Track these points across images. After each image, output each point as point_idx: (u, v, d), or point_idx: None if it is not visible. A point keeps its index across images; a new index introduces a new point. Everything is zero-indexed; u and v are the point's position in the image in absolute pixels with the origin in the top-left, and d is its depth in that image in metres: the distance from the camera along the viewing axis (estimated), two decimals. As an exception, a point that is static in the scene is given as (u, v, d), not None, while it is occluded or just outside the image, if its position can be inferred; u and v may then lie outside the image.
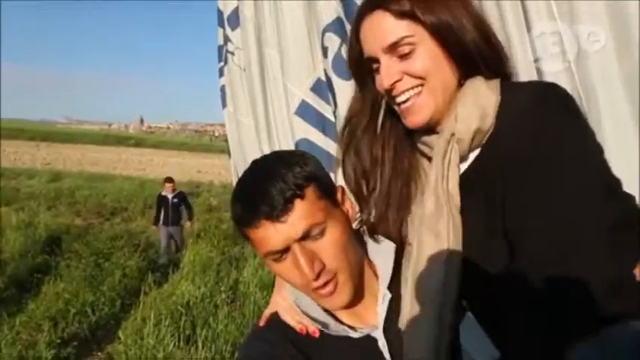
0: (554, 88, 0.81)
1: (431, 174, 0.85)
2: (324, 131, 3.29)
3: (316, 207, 0.80)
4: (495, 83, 0.84)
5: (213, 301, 5.05)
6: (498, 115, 0.81)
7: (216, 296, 5.19)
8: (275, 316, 0.92)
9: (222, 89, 3.83)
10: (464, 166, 0.86)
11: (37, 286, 5.52)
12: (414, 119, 0.85)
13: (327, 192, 0.83)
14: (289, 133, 3.67)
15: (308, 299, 0.88)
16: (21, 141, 29.39)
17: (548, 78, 3.73)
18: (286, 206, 0.78)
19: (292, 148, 3.77)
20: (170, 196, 7.64)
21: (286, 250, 0.80)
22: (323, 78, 3.24)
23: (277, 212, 0.77)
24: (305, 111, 3.25)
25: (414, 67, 0.83)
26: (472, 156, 0.85)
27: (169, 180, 7.84)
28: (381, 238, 0.95)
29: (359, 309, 0.90)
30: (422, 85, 0.84)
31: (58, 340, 4.18)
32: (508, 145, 0.78)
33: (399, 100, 0.85)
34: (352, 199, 0.95)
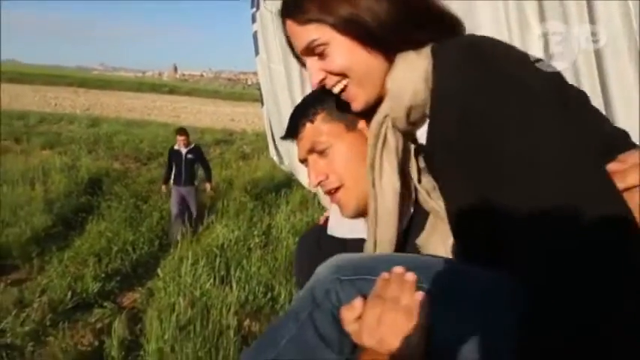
0: (473, 45, 0.76)
1: (368, 159, 0.89)
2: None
3: (322, 129, 1.01)
4: (426, 50, 0.80)
5: (247, 245, 5.27)
6: (433, 79, 0.78)
7: (250, 240, 5.40)
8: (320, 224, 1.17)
9: (255, 36, 3.83)
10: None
11: (81, 224, 5.87)
12: (353, 107, 0.89)
13: (340, 117, 1.01)
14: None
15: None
16: (61, 87, 30.08)
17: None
18: (300, 128, 1.04)
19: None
20: (184, 151, 6.24)
21: (305, 160, 1.05)
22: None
23: (296, 132, 1.05)
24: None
25: (332, 65, 0.84)
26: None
27: (182, 132, 6.44)
28: None
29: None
30: (346, 77, 0.85)
31: (103, 275, 4.49)
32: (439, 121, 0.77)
33: (335, 91, 0.88)
34: None
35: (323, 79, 0.87)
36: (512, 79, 0.71)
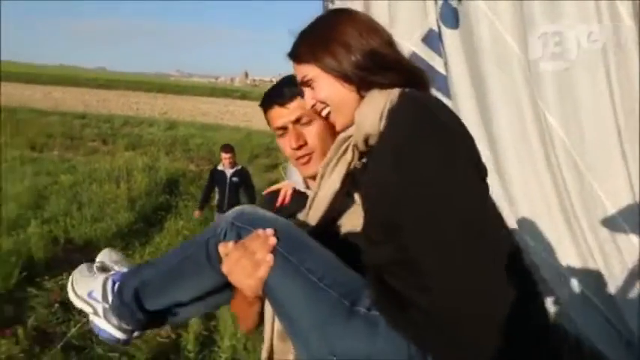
0: (403, 104, 0.96)
1: (325, 158, 1.12)
2: (435, 86, 3.22)
3: (306, 103, 1.17)
4: (387, 92, 1.01)
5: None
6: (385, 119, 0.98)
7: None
8: (272, 191, 1.45)
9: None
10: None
11: (160, 222, 6.19)
12: (337, 128, 1.12)
13: None
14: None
15: (297, 173, 1.35)
16: (141, 92, 31.98)
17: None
18: (290, 98, 1.24)
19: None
20: (228, 173, 5.16)
21: (286, 128, 1.26)
22: (435, 28, 3.16)
23: (284, 100, 1.25)
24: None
25: (318, 95, 1.10)
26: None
27: (227, 149, 5.24)
28: None
29: None
30: (329, 104, 1.10)
31: (180, 271, 4.70)
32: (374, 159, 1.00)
33: (323, 114, 1.13)
34: None
35: (314, 105, 1.12)
36: (445, 134, 0.91)
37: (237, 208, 1.09)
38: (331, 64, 1.06)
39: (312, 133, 1.27)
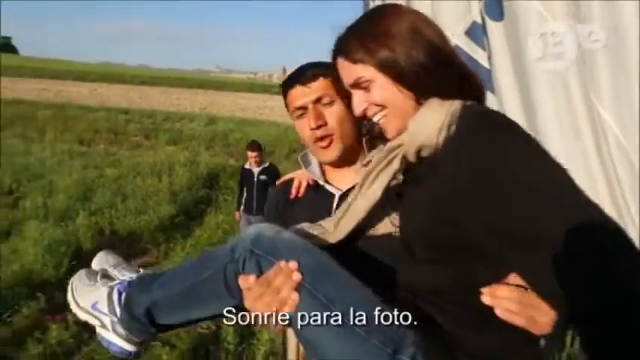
0: (484, 113, 0.93)
1: (369, 165, 1.07)
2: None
3: (333, 86, 1.21)
4: (449, 104, 0.95)
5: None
6: (446, 138, 0.93)
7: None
8: (286, 181, 1.42)
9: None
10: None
11: (200, 215, 6.32)
12: (388, 135, 1.04)
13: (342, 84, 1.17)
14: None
15: (314, 163, 1.36)
16: (182, 88, 32.69)
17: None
18: (313, 78, 1.23)
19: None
20: (255, 171, 4.96)
21: (305, 108, 1.24)
22: (479, 21, 3.08)
23: (307, 80, 1.23)
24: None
25: (373, 98, 1.02)
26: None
27: (253, 146, 5.04)
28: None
29: (342, 172, 1.32)
30: (384, 109, 1.02)
31: (220, 264, 4.79)
32: (448, 169, 0.90)
33: (374, 120, 1.05)
34: None
35: (365, 109, 1.04)
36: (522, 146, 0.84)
37: (255, 230, 1.02)
38: (388, 63, 0.99)
39: (333, 114, 1.25)
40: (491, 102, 3.20)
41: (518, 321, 0.82)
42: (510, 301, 0.83)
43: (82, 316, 1.15)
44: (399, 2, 3.05)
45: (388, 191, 1.06)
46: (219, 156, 10.74)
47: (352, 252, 1.08)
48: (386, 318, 0.92)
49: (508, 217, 0.78)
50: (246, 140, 13.68)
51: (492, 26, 3.23)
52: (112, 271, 1.20)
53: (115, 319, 1.11)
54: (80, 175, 7.15)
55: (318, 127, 1.24)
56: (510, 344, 0.88)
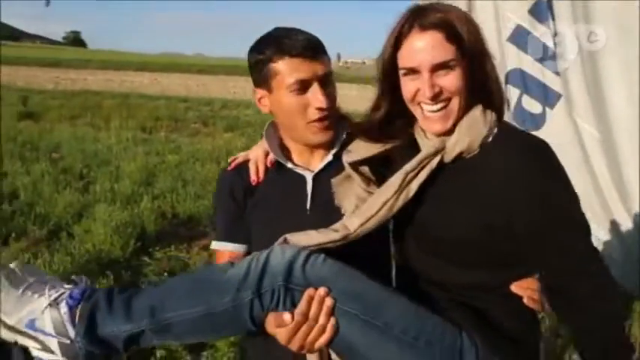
0: (544, 149, 1.02)
1: (408, 164, 1.07)
2: (541, 59, 3.05)
3: (331, 64, 1.21)
4: (489, 114, 1.06)
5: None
6: (486, 148, 1.04)
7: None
8: (240, 164, 1.35)
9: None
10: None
11: (256, 200, 6.45)
12: (437, 127, 1.06)
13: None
14: (499, 63, 3.48)
15: (274, 144, 1.32)
16: (237, 76, 33.28)
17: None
18: (322, 55, 1.18)
19: (502, 79, 3.60)
20: None
21: (309, 84, 1.17)
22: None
23: (316, 53, 1.16)
24: (520, 37, 3.03)
25: (451, 84, 1.03)
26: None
27: None
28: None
29: (311, 152, 1.30)
30: (449, 100, 1.04)
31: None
32: (495, 186, 1.00)
33: (429, 108, 1.05)
34: None
35: (437, 94, 1.03)
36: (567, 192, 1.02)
37: (284, 261, 0.94)
38: (476, 56, 1.05)
39: (333, 95, 1.24)
40: (554, 83, 3.10)
41: (536, 306, 1.06)
42: (533, 291, 1.05)
43: (12, 337, 0.91)
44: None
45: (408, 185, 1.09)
46: (274, 142, 10.89)
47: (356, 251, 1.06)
48: (430, 320, 0.94)
49: (541, 252, 1.01)
50: (300, 127, 13.84)
51: (561, 5, 3.09)
52: (37, 281, 0.98)
53: (67, 341, 0.92)
54: (143, 161, 7.47)
55: (328, 109, 1.19)
56: (528, 322, 1.09)
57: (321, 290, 0.92)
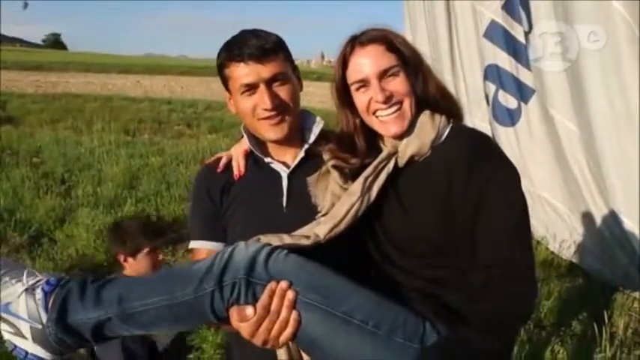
0: (481, 137, 1.15)
1: (366, 170, 1.14)
2: (514, 55, 3.09)
3: (285, 65, 1.24)
4: (437, 118, 1.14)
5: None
6: (437, 149, 1.12)
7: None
8: (218, 160, 1.37)
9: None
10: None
11: (242, 201, 6.44)
12: (394, 129, 1.13)
13: (291, 60, 1.30)
14: (477, 59, 3.53)
15: (252, 140, 1.32)
16: (222, 77, 33.06)
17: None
18: (267, 54, 1.19)
19: (480, 75, 3.65)
20: None
21: (256, 86, 1.21)
22: (516, -5, 2.99)
23: (261, 56, 1.18)
24: (494, 33, 3.07)
25: (400, 87, 1.12)
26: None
27: None
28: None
29: (285, 149, 1.32)
30: (401, 103, 1.12)
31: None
32: (442, 174, 1.08)
33: (383, 113, 1.13)
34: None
35: (387, 98, 1.10)
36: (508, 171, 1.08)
37: (246, 255, 0.96)
38: (413, 60, 1.13)
39: (287, 92, 1.25)
40: (528, 78, 3.15)
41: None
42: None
43: None
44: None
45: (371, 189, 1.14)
46: (259, 143, 10.87)
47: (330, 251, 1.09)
48: (393, 309, 0.96)
49: (482, 239, 1.02)
50: (284, 127, 13.83)
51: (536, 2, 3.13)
52: (21, 268, 1.02)
53: (39, 327, 0.94)
54: (126, 164, 7.42)
55: (274, 107, 1.22)
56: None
57: (283, 283, 0.93)
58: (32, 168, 7.05)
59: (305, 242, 1.06)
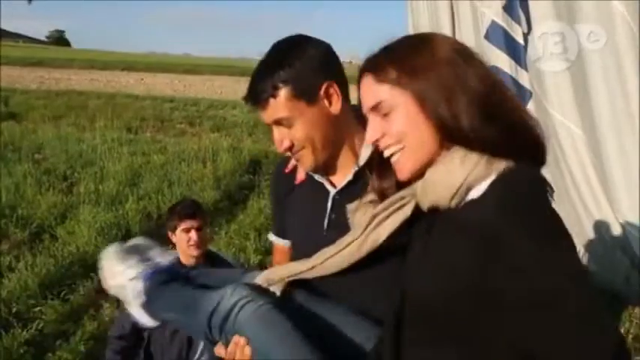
0: (517, 192, 0.80)
1: (378, 207, 0.99)
2: (513, 57, 3.08)
3: (286, 106, 1.11)
4: (473, 163, 0.82)
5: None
6: (472, 201, 0.83)
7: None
8: (289, 159, 1.31)
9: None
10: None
11: (243, 200, 6.44)
12: (399, 174, 0.91)
13: (303, 93, 1.12)
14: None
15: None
16: (225, 76, 33.14)
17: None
18: (262, 102, 1.13)
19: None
20: None
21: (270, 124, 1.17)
22: (516, -5, 2.98)
23: (258, 103, 1.14)
24: (494, 34, 3.06)
25: (391, 128, 0.88)
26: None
27: None
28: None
29: (336, 167, 1.24)
30: (401, 142, 0.88)
31: (262, 249, 4.86)
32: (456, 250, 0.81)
33: (385, 154, 0.92)
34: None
35: (378, 139, 0.91)
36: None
37: (226, 308, 1.10)
38: (422, 93, 0.84)
39: (298, 131, 1.14)
40: (526, 80, 3.14)
41: None
42: None
43: (113, 292, 1.37)
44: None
45: (394, 239, 0.97)
46: (262, 142, 10.86)
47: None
48: None
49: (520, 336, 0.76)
50: (287, 126, 13.82)
51: (534, 3, 3.13)
52: (145, 254, 1.38)
53: (140, 302, 1.31)
54: (129, 162, 7.42)
55: (285, 148, 1.18)
56: None
57: (241, 340, 1.06)
58: (34, 164, 7.06)
59: (302, 267, 1.11)
